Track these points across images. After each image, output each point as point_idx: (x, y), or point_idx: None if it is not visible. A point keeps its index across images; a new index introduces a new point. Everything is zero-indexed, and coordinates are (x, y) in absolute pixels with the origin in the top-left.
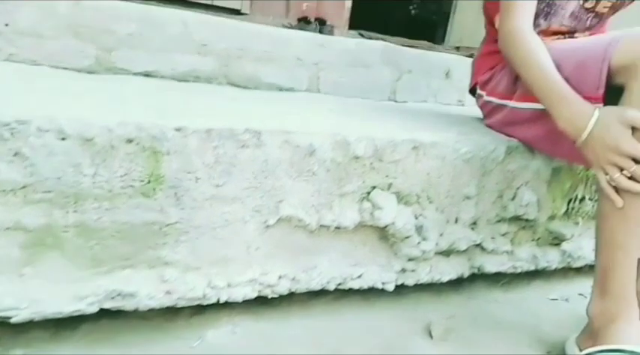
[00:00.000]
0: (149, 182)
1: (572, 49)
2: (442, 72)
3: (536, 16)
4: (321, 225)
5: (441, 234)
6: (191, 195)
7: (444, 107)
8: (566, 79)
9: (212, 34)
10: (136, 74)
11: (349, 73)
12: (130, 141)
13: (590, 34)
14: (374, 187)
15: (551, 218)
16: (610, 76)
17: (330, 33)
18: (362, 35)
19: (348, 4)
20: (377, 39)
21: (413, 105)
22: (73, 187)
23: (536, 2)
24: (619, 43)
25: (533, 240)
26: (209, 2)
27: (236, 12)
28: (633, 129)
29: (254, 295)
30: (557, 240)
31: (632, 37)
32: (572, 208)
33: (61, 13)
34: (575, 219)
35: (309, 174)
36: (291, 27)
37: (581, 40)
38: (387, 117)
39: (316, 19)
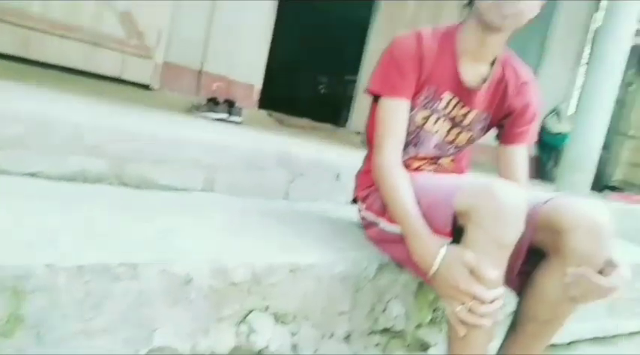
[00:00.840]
0: (8, 322)
1: (431, 186)
2: (333, 174)
3: (407, 145)
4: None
5: (316, 350)
6: (56, 333)
7: (333, 208)
8: (423, 214)
9: (105, 137)
10: (23, 175)
11: (245, 175)
12: None
13: (454, 158)
14: (251, 310)
15: (419, 326)
16: (455, 216)
17: (239, 114)
18: (270, 115)
19: (258, 86)
20: (283, 121)
21: (304, 206)
22: None
23: (404, 139)
24: (460, 191)
25: (403, 347)
26: (117, 76)
27: (145, 87)
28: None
29: None
30: (424, 347)
31: (468, 187)
32: (437, 316)
33: None
34: (440, 326)
35: (186, 302)
36: (199, 107)
37: (439, 180)
38: (272, 229)
39: (225, 101)
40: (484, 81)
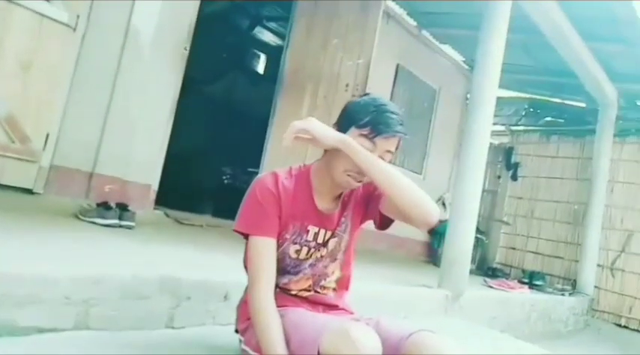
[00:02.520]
0: None
1: (302, 325)
2: (221, 295)
3: (284, 273)
4: None
5: None
6: None
7: (220, 332)
8: (293, 352)
9: None
10: None
11: (124, 306)
12: None
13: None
14: None
15: None
16: None
17: (131, 219)
18: (167, 215)
19: (155, 186)
20: (181, 219)
21: (188, 335)
22: None
23: (274, 275)
24: (325, 333)
25: None
26: None
27: (28, 191)
28: None
29: None
30: None
31: (331, 331)
32: None
33: None
34: None
35: None
36: (87, 212)
37: (310, 318)
38: None
39: (118, 204)
40: (337, 200)
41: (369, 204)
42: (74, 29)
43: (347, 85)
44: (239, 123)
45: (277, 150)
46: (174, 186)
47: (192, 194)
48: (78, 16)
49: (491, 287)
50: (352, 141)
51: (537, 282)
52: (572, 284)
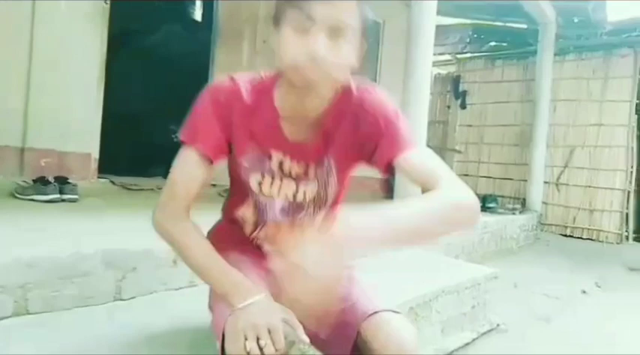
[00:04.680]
0: None
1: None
2: (170, 260)
3: (251, 218)
4: None
5: None
6: None
7: (173, 295)
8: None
9: None
10: None
11: (64, 286)
12: None
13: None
14: None
15: None
16: None
17: (73, 192)
18: (113, 183)
19: (95, 153)
20: (129, 185)
21: (136, 303)
22: None
23: (192, 199)
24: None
25: None
26: None
27: None
28: None
29: None
30: None
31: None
32: None
33: None
34: None
35: None
36: (24, 190)
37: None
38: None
39: (56, 178)
40: (315, 129)
41: (368, 147)
42: None
43: None
44: (181, 77)
45: None
46: (119, 151)
47: (140, 157)
48: None
49: None
50: (354, 228)
51: (490, 205)
52: (521, 203)
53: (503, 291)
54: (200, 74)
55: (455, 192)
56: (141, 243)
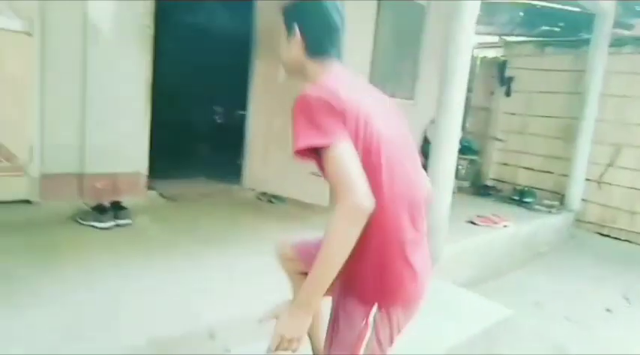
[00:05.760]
0: None
1: None
2: (206, 334)
3: None
4: None
5: None
6: None
7: None
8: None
9: None
10: None
11: None
12: None
13: None
14: None
15: None
16: None
17: (127, 216)
18: (162, 195)
19: (144, 170)
20: (175, 197)
21: None
22: None
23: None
24: None
25: None
26: None
27: (26, 202)
28: None
29: None
30: None
31: None
32: None
33: None
34: None
35: None
36: (84, 216)
37: None
38: None
39: (112, 204)
40: None
41: None
42: (30, 34)
43: None
44: (218, 77)
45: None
46: (162, 157)
47: (181, 162)
48: (32, 20)
49: (474, 223)
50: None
51: (527, 199)
52: (560, 199)
53: (524, 318)
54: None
55: (336, 212)
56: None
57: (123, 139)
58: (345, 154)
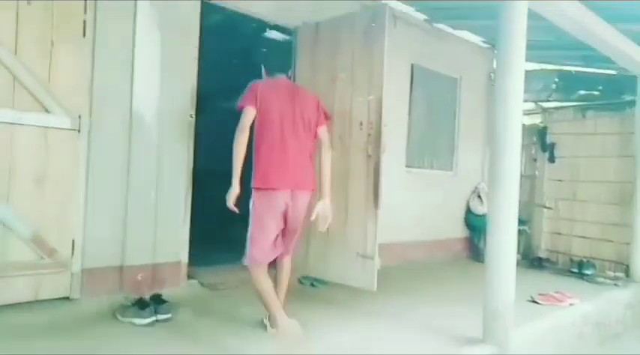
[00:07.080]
0: None
1: None
2: None
3: None
4: None
5: None
6: None
7: None
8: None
9: None
10: None
11: None
12: None
13: None
14: None
15: None
16: None
17: (167, 311)
18: (202, 284)
19: (184, 259)
20: (213, 285)
21: None
22: None
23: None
24: None
25: None
26: (32, 299)
27: (65, 299)
28: None
29: None
30: None
31: None
32: None
33: None
34: None
35: None
36: (125, 311)
37: None
38: None
39: (152, 297)
40: None
41: None
42: (78, 131)
43: (361, 124)
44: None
45: None
46: (201, 246)
47: (219, 248)
48: (80, 117)
49: (537, 302)
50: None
51: (587, 271)
52: (625, 270)
53: None
54: None
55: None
56: None
57: (164, 229)
58: (248, 112)
